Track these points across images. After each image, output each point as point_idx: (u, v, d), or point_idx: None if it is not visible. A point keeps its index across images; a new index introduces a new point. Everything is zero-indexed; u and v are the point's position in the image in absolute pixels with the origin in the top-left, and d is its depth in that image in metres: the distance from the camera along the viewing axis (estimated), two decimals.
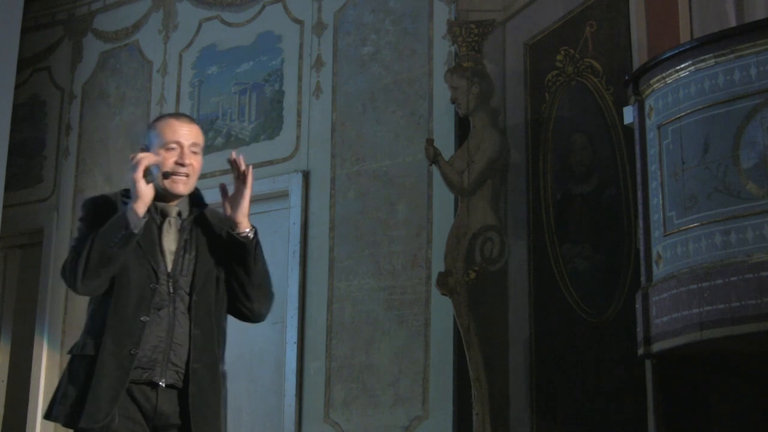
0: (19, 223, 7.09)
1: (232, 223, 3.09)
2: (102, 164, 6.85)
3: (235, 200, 3.09)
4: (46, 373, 6.72)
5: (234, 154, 3.10)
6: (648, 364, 4.03)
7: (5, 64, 6.83)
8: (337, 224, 5.67)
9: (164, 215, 3.12)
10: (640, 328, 3.81)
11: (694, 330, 3.55)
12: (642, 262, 3.88)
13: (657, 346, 3.73)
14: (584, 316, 4.53)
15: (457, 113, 5.10)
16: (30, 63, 7.36)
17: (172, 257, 3.08)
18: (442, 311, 5.09)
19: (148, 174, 3.02)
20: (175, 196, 3.13)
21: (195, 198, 3.21)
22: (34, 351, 6.80)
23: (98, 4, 7.22)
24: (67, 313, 6.71)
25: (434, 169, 5.13)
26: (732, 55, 3.60)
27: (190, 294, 3.06)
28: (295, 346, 5.61)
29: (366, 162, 5.66)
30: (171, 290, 3.04)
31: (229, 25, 6.48)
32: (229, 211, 3.10)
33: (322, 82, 5.95)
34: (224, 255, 3.12)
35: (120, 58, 6.99)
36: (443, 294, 4.85)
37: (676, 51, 3.82)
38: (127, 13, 7.01)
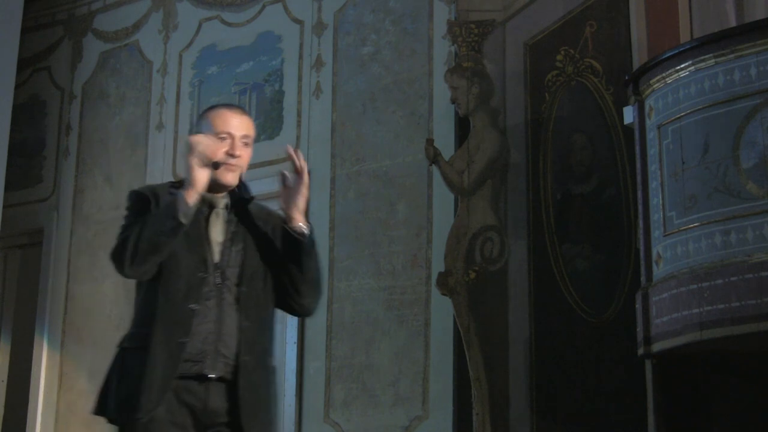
0: (19, 223, 7.09)
1: (287, 218, 3.08)
2: (102, 164, 6.85)
3: (291, 195, 3.09)
4: (46, 373, 6.71)
5: (291, 149, 3.07)
6: (648, 364, 4.02)
7: (5, 64, 6.83)
8: (337, 224, 5.67)
9: (211, 206, 3.08)
10: (640, 328, 3.81)
11: (694, 330, 3.55)
12: (642, 262, 3.88)
13: (657, 346, 3.73)
14: (584, 316, 4.53)
15: (457, 113, 5.11)
16: (30, 63, 7.36)
17: (219, 248, 3.04)
18: (442, 311, 5.09)
19: (206, 160, 2.95)
20: (223, 187, 3.09)
21: (241, 189, 3.17)
22: (34, 351, 6.79)
23: (98, 4, 7.22)
24: (67, 313, 6.71)
25: (434, 169, 5.13)
26: (732, 55, 3.60)
27: (238, 286, 3.02)
28: (295, 346, 5.61)
29: (366, 162, 5.67)
30: (218, 281, 2.99)
31: (229, 25, 6.48)
32: (284, 204, 3.09)
33: (322, 82, 5.95)
34: (273, 249, 3.09)
35: (120, 58, 6.99)
36: (443, 294, 4.85)
37: (676, 51, 3.82)
38: (127, 13, 7.01)
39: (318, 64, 5.99)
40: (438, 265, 5.06)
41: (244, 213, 3.13)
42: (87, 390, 6.50)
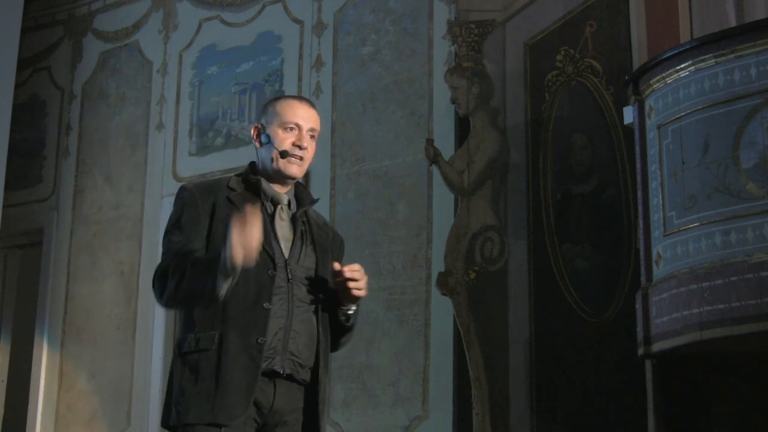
0: (19, 223, 7.09)
1: (340, 300, 2.98)
2: (102, 164, 6.85)
3: (347, 294, 2.96)
4: (46, 373, 6.71)
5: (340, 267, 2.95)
6: (648, 364, 4.03)
7: (5, 64, 6.83)
8: (337, 224, 5.67)
9: (275, 202, 2.99)
10: (640, 328, 3.81)
11: (694, 330, 3.55)
12: (642, 262, 3.88)
13: (657, 346, 3.73)
14: (584, 316, 4.53)
15: (457, 113, 5.11)
16: (30, 63, 7.36)
17: (288, 245, 2.95)
18: (442, 311, 5.09)
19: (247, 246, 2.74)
20: (287, 181, 3.01)
21: (302, 191, 3.09)
22: (34, 351, 6.79)
23: (98, 4, 7.22)
24: (67, 313, 6.71)
25: (434, 169, 5.13)
26: (732, 55, 3.60)
27: (315, 292, 2.94)
28: None
29: (366, 162, 5.67)
30: (289, 277, 2.90)
31: (229, 25, 6.48)
32: (341, 293, 2.98)
33: (322, 82, 5.95)
34: (332, 260, 3.02)
35: (120, 58, 6.99)
36: (443, 294, 4.85)
37: (676, 51, 3.82)
38: (127, 13, 7.01)
39: (318, 64, 5.99)
40: (438, 265, 5.06)
41: (306, 216, 3.05)
42: (87, 390, 6.51)
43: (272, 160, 2.99)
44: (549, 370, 4.61)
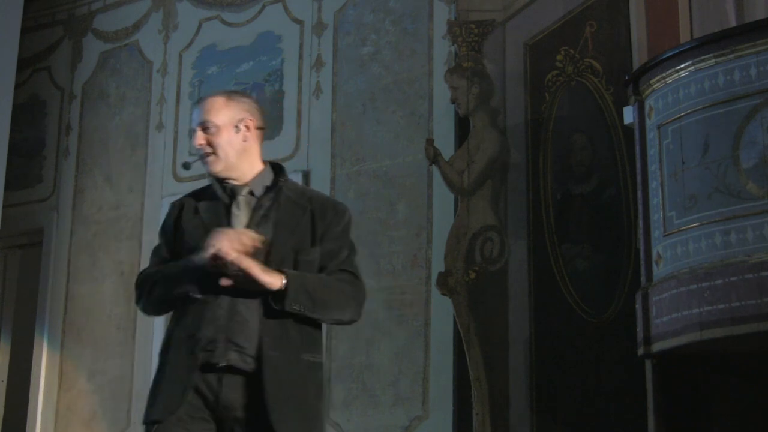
0: (19, 223, 7.09)
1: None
2: (102, 164, 6.85)
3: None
4: (46, 373, 6.71)
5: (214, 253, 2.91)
6: (648, 364, 4.03)
7: (5, 64, 6.83)
8: None
9: (234, 195, 3.02)
10: (640, 328, 3.81)
11: (694, 330, 3.55)
12: (642, 262, 3.88)
13: (657, 346, 3.73)
14: (584, 316, 4.53)
15: (457, 113, 5.11)
16: (30, 63, 7.36)
17: None
18: (442, 311, 5.09)
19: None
20: (246, 174, 3.03)
21: (277, 173, 3.09)
22: (34, 351, 6.79)
23: (98, 4, 7.22)
24: (67, 313, 6.71)
25: (434, 169, 5.13)
26: (732, 55, 3.60)
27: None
28: None
29: (366, 162, 5.67)
30: (236, 269, 2.85)
31: (229, 25, 6.48)
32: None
33: (322, 82, 5.95)
34: (314, 236, 2.98)
35: (120, 58, 6.99)
36: (443, 294, 4.85)
37: (676, 51, 3.82)
38: (127, 13, 7.01)
39: (318, 64, 5.99)
40: (438, 265, 5.06)
41: (277, 197, 3.03)
42: (87, 390, 6.51)
43: None
44: (549, 370, 4.60)
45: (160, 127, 6.61)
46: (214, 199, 3.05)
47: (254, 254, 2.88)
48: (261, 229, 2.94)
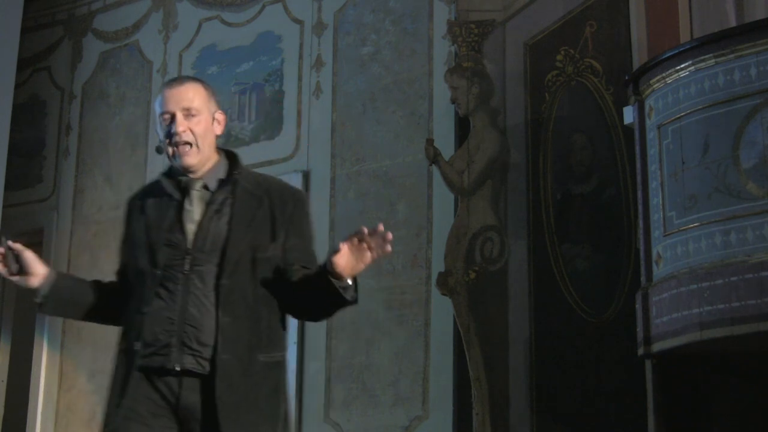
0: (19, 223, 7.09)
1: (335, 268, 2.76)
2: (102, 164, 6.85)
3: (357, 255, 2.77)
4: (46, 373, 6.71)
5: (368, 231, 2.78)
6: (648, 364, 4.03)
7: (5, 64, 6.83)
8: (337, 224, 5.67)
9: (187, 190, 2.86)
10: (640, 328, 3.81)
11: (694, 330, 3.55)
12: (642, 262, 3.88)
13: (657, 346, 3.73)
14: (584, 316, 4.53)
15: (457, 113, 5.11)
16: (30, 63, 7.36)
17: (194, 230, 2.81)
18: (442, 311, 5.09)
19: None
20: (190, 169, 2.86)
21: (232, 164, 2.91)
22: (34, 351, 6.79)
23: (98, 4, 7.22)
24: None
25: (434, 169, 5.13)
26: (732, 55, 3.60)
27: (218, 278, 2.77)
28: (295, 346, 5.61)
29: (366, 162, 5.67)
30: (186, 269, 2.77)
31: (229, 25, 6.48)
32: (338, 259, 2.77)
33: (322, 82, 5.95)
34: (273, 229, 2.84)
35: (120, 58, 6.99)
36: (443, 294, 4.84)
37: (676, 51, 3.82)
38: (127, 13, 7.01)
39: (318, 64, 5.99)
40: (438, 265, 5.06)
41: (233, 190, 2.86)
42: (87, 390, 6.50)
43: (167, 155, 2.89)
44: (549, 370, 4.60)
45: None
46: (161, 195, 2.89)
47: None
48: (214, 225, 2.80)
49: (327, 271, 2.78)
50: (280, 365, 2.89)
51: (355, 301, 2.85)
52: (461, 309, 4.77)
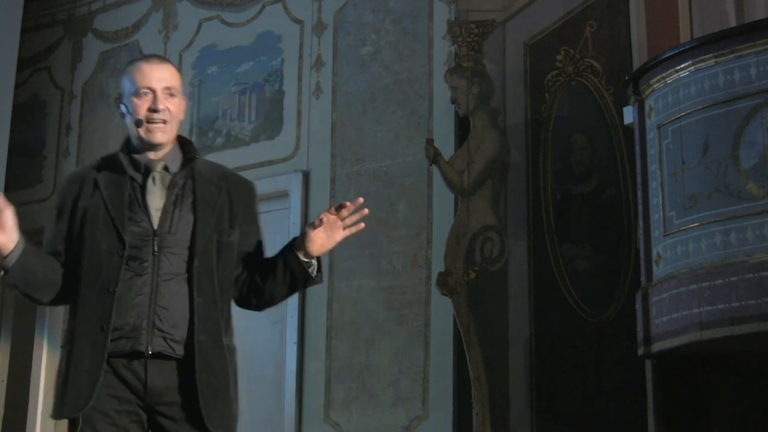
0: (19, 223, 7.05)
1: (305, 244, 2.87)
2: None
3: (328, 230, 2.90)
4: (46, 373, 6.71)
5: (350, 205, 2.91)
6: (648, 364, 4.03)
7: (5, 64, 6.83)
8: None
9: (148, 170, 2.86)
10: (640, 328, 3.81)
11: (694, 330, 3.55)
12: (642, 262, 3.88)
13: (657, 346, 3.73)
14: (584, 316, 4.53)
15: (457, 113, 5.11)
16: (30, 63, 7.35)
17: (158, 214, 2.82)
18: (442, 311, 5.09)
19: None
20: (158, 147, 2.87)
21: (187, 149, 2.94)
22: (34, 351, 6.79)
23: (98, 4, 7.22)
24: (67, 313, 6.70)
25: (434, 169, 5.13)
26: (732, 55, 3.60)
27: (190, 259, 2.80)
28: (295, 346, 5.61)
29: (366, 162, 5.67)
30: (155, 250, 2.78)
31: (229, 25, 6.48)
32: (314, 234, 2.88)
33: (322, 82, 5.95)
34: (231, 217, 2.89)
35: (120, 58, 6.98)
36: (443, 294, 4.85)
37: (676, 51, 3.82)
38: (127, 13, 7.01)
39: (318, 64, 5.99)
40: (438, 265, 5.06)
41: (190, 174, 2.90)
42: None
43: (134, 129, 2.88)
44: (549, 370, 4.60)
45: None
46: (118, 173, 2.88)
47: None
48: (179, 208, 2.83)
49: (295, 246, 2.87)
50: (236, 351, 2.93)
51: (320, 280, 2.95)
52: (461, 309, 4.77)
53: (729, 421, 4.03)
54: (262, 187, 5.91)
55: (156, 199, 2.84)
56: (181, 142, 2.96)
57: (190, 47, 6.62)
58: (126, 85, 2.90)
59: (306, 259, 2.89)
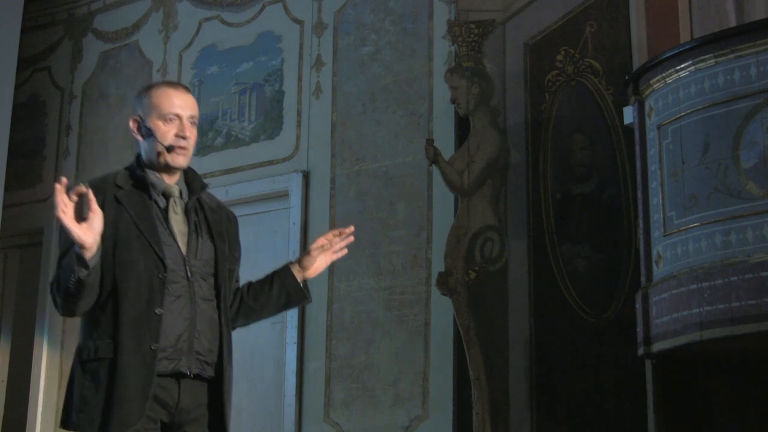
0: (19, 223, 7.09)
1: (303, 268, 3.13)
2: (102, 164, 6.84)
3: (323, 257, 3.14)
4: (46, 373, 6.71)
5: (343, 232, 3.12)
6: (648, 364, 4.03)
7: (5, 64, 6.83)
8: (337, 224, 5.66)
9: (167, 195, 2.97)
10: (640, 328, 3.82)
11: (694, 330, 3.55)
12: (642, 262, 3.88)
13: (657, 346, 3.73)
14: (584, 316, 4.53)
15: (457, 113, 5.10)
16: (30, 63, 7.35)
17: (185, 239, 2.92)
18: (442, 311, 5.09)
19: (82, 209, 2.72)
20: (174, 172, 2.99)
21: (191, 177, 3.06)
22: (34, 351, 6.79)
23: (98, 4, 7.22)
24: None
25: (434, 169, 5.13)
26: (732, 55, 3.60)
27: (216, 284, 2.93)
28: (295, 346, 5.61)
29: (366, 162, 5.66)
30: (189, 275, 2.88)
31: (229, 25, 6.48)
32: (319, 257, 3.13)
33: (322, 82, 5.95)
34: (231, 245, 3.05)
35: (120, 58, 6.99)
36: (443, 294, 4.85)
37: (676, 51, 3.82)
38: (127, 13, 7.01)
39: (318, 64, 5.99)
40: (438, 265, 5.06)
41: (199, 203, 3.03)
42: None
43: (159, 153, 2.98)
44: (549, 370, 4.61)
45: None
46: (139, 192, 2.96)
47: None
48: (200, 235, 2.96)
49: (293, 269, 3.10)
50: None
51: (311, 299, 3.20)
52: (461, 309, 4.77)
53: (729, 421, 4.03)
54: (262, 187, 5.97)
55: (179, 224, 2.94)
56: (186, 171, 3.07)
57: (190, 47, 6.62)
58: (149, 107, 3.03)
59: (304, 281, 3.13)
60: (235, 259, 3.08)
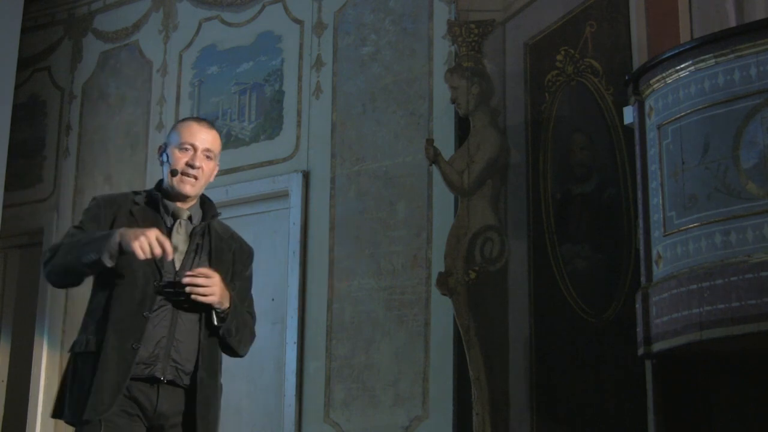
0: (19, 223, 7.09)
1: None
2: (102, 164, 6.85)
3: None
4: (46, 373, 6.71)
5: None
6: (648, 364, 4.03)
7: (5, 64, 6.83)
8: (337, 224, 5.67)
9: (175, 217, 3.23)
10: (640, 328, 3.82)
11: (694, 330, 3.55)
12: (642, 262, 3.88)
13: (657, 346, 3.73)
14: (584, 316, 4.53)
15: (457, 113, 5.11)
16: (30, 63, 7.35)
17: (181, 257, 3.19)
18: (442, 311, 5.09)
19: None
20: (185, 198, 3.24)
21: (207, 206, 3.33)
22: (34, 351, 6.79)
23: (98, 4, 7.22)
24: (67, 313, 6.71)
25: (434, 169, 5.13)
26: (732, 55, 3.60)
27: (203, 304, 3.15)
28: (295, 346, 5.61)
29: (366, 162, 5.67)
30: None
31: (229, 25, 6.48)
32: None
33: (322, 82, 5.95)
34: (231, 273, 3.27)
35: (120, 58, 6.99)
36: (443, 294, 4.84)
37: (676, 51, 3.82)
38: (127, 13, 7.01)
39: (318, 64, 5.99)
40: (438, 265, 5.06)
41: (208, 230, 3.27)
42: None
43: (168, 177, 3.25)
44: (549, 370, 4.61)
45: (160, 127, 6.61)
46: (152, 210, 3.24)
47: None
48: (198, 255, 3.20)
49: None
50: (222, 389, 3.32)
51: (228, 333, 3.29)
52: (461, 309, 4.77)
53: (729, 421, 4.03)
54: (262, 187, 5.97)
55: (180, 243, 3.20)
56: (204, 200, 3.34)
57: (190, 47, 6.62)
58: (173, 137, 3.30)
59: (220, 312, 3.21)
60: (234, 286, 3.26)
